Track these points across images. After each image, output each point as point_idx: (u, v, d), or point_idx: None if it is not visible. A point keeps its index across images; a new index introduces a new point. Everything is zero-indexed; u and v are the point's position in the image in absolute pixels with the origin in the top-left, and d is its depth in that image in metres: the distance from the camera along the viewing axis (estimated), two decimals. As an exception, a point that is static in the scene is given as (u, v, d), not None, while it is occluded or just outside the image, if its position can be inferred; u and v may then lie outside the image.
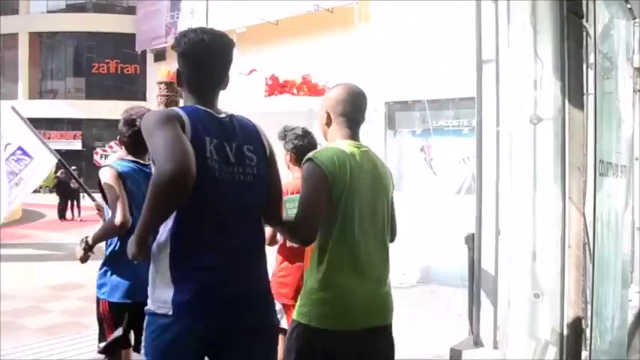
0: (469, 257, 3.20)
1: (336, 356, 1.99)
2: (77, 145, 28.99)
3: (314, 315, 1.99)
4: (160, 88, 4.06)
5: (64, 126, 29.08)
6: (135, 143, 2.80)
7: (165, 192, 1.56)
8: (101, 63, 29.60)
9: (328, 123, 2.18)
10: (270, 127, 6.10)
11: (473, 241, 3.15)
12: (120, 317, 2.76)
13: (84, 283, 6.84)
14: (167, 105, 3.28)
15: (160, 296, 1.74)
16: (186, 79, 1.93)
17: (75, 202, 16.09)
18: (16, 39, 30.01)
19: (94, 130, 29.50)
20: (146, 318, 1.78)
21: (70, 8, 30.24)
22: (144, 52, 28.94)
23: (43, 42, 30.69)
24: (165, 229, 1.74)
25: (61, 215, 16.01)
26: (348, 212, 2.00)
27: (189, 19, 26.06)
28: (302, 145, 3.21)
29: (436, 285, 6.84)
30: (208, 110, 1.86)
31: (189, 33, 1.95)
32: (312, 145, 3.22)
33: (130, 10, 29.47)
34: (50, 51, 31.31)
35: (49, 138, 28.99)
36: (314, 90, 6.18)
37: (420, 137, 20.31)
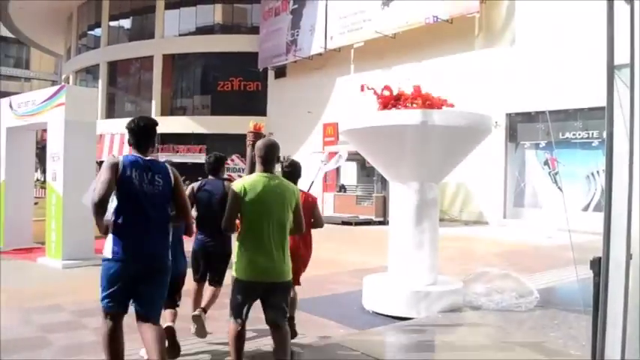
0: (594, 283, 2.83)
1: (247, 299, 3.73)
2: (202, 158, 30.48)
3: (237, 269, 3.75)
4: (248, 136, 5.21)
5: (190, 140, 30.92)
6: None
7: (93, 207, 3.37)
8: (226, 81, 31.15)
9: (257, 161, 3.85)
10: (380, 143, 5.92)
11: (599, 266, 2.78)
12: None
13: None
14: (253, 146, 4.54)
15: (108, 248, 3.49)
16: (132, 142, 3.64)
17: None
18: (151, 61, 32.54)
19: (217, 144, 31.01)
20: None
21: (200, 30, 32.19)
22: (265, 70, 30.17)
23: (174, 63, 32.95)
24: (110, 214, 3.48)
25: None
26: (254, 212, 3.66)
27: (309, 37, 26.87)
28: (288, 171, 4.73)
29: (556, 310, 6.22)
30: (139, 156, 3.57)
31: (136, 120, 3.70)
32: (295, 172, 4.77)
33: (254, 30, 30.87)
34: (181, 71, 33.56)
35: (177, 152, 31.05)
36: (429, 102, 5.91)
37: (543, 150, 19.23)
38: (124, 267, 3.43)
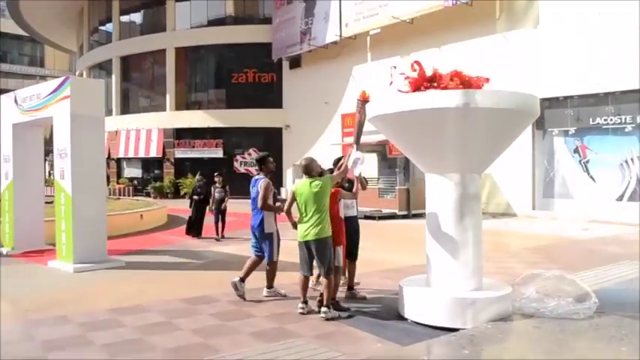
0: None
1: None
2: (219, 152, 30.16)
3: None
4: (357, 103, 5.99)
5: (206, 135, 30.42)
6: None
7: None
8: (240, 73, 30.56)
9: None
10: (415, 129, 5.23)
11: None
12: None
13: (217, 297, 6.54)
14: (360, 113, 5.87)
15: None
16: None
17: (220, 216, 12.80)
18: (164, 55, 32.03)
19: (234, 139, 30.54)
20: None
21: (211, 23, 31.58)
22: (280, 60, 29.50)
23: (188, 56, 32.43)
24: None
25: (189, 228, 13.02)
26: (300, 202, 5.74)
27: (323, 25, 26.11)
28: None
29: (618, 317, 5.47)
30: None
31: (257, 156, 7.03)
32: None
33: (267, 21, 30.20)
34: (194, 64, 33.00)
35: (193, 147, 30.62)
36: (467, 82, 5.20)
37: (573, 137, 18.34)
38: None
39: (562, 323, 5.26)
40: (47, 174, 19.77)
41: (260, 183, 6.49)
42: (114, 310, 5.91)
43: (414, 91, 5.41)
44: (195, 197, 13.21)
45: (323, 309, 5.65)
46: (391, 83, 5.91)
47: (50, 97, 9.32)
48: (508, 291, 5.57)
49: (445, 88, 5.24)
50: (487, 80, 5.37)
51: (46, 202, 10.90)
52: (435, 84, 5.38)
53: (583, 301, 5.59)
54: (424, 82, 5.44)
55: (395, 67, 21.21)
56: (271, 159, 6.80)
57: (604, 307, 5.61)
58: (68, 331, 5.26)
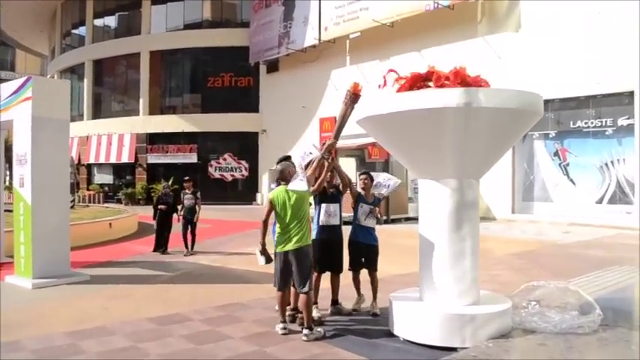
0: None
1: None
2: (193, 158, 29.48)
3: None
4: (346, 94, 5.34)
5: (180, 140, 29.70)
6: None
7: None
8: (216, 77, 29.97)
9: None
10: (410, 131, 4.75)
11: None
12: None
13: (189, 316, 5.96)
14: (346, 106, 5.27)
15: None
16: None
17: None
18: (138, 58, 31.24)
19: (209, 143, 29.88)
20: None
21: (188, 26, 30.93)
22: (257, 64, 28.99)
23: (163, 60, 31.68)
24: None
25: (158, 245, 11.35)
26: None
27: (302, 28, 25.66)
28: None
29: (624, 329, 5.08)
30: None
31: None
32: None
33: (244, 24, 29.72)
34: (169, 68, 32.28)
35: (167, 152, 29.85)
36: (464, 80, 4.74)
37: (553, 140, 18.16)
38: None
39: (567, 339, 4.83)
40: (7, 180, 18.62)
41: None
42: (73, 334, 5.27)
43: (409, 90, 4.94)
44: (160, 207, 11.41)
45: (304, 331, 5.12)
46: (384, 85, 5.37)
47: (11, 98, 8.63)
48: (508, 305, 5.12)
49: (441, 86, 4.78)
50: (486, 83, 4.94)
51: (6, 210, 10.15)
52: (431, 83, 4.93)
53: (587, 313, 5.17)
54: (419, 80, 4.99)
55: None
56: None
57: (606, 319, 5.20)
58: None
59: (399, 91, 5.01)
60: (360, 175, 6.41)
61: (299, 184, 5.22)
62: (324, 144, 5.66)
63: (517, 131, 5.10)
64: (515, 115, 4.73)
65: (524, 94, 4.83)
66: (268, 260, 5.30)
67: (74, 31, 36.75)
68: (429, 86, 4.93)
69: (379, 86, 5.27)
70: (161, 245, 11.21)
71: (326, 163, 5.59)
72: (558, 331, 4.97)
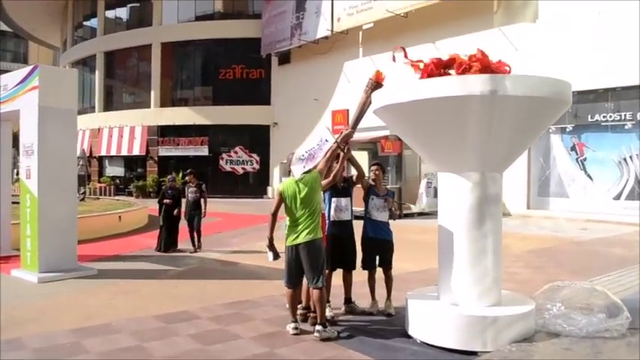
0: None
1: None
2: (204, 150, 29.31)
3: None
4: (368, 82, 5.32)
5: (192, 132, 29.54)
6: None
7: None
8: (227, 69, 29.70)
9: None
10: (431, 121, 4.50)
11: None
12: None
13: (197, 313, 5.75)
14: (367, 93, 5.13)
15: None
16: None
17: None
18: (149, 50, 31.07)
19: (220, 136, 29.68)
20: None
21: (199, 18, 30.68)
22: (268, 56, 28.70)
23: (174, 51, 31.51)
24: None
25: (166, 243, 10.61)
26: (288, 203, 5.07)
27: (315, 19, 25.32)
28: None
29: (654, 333, 4.80)
30: None
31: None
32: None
33: (256, 16, 29.40)
34: (181, 60, 32.05)
35: (178, 145, 29.71)
36: (488, 67, 4.46)
37: (570, 135, 17.73)
38: None
39: (595, 344, 4.56)
40: (15, 172, 18.51)
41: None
42: (77, 331, 5.08)
43: (428, 77, 4.67)
44: (166, 201, 10.73)
45: (317, 327, 4.89)
46: (394, 59, 5.21)
47: (17, 87, 8.46)
48: (531, 306, 4.85)
49: (463, 73, 4.50)
50: (509, 70, 4.65)
51: (14, 202, 10.00)
52: (452, 71, 4.65)
53: (615, 315, 4.89)
54: (440, 67, 4.71)
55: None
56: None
57: (634, 322, 4.91)
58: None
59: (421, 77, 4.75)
60: (371, 166, 6.14)
61: (299, 168, 5.04)
62: (340, 134, 5.41)
63: (544, 122, 4.78)
64: (544, 105, 4.43)
65: (553, 81, 4.52)
66: (276, 256, 5.05)
67: (85, 22, 36.63)
68: (450, 74, 4.66)
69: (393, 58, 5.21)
70: (168, 245, 10.54)
71: (341, 154, 5.34)
72: (584, 335, 4.70)
